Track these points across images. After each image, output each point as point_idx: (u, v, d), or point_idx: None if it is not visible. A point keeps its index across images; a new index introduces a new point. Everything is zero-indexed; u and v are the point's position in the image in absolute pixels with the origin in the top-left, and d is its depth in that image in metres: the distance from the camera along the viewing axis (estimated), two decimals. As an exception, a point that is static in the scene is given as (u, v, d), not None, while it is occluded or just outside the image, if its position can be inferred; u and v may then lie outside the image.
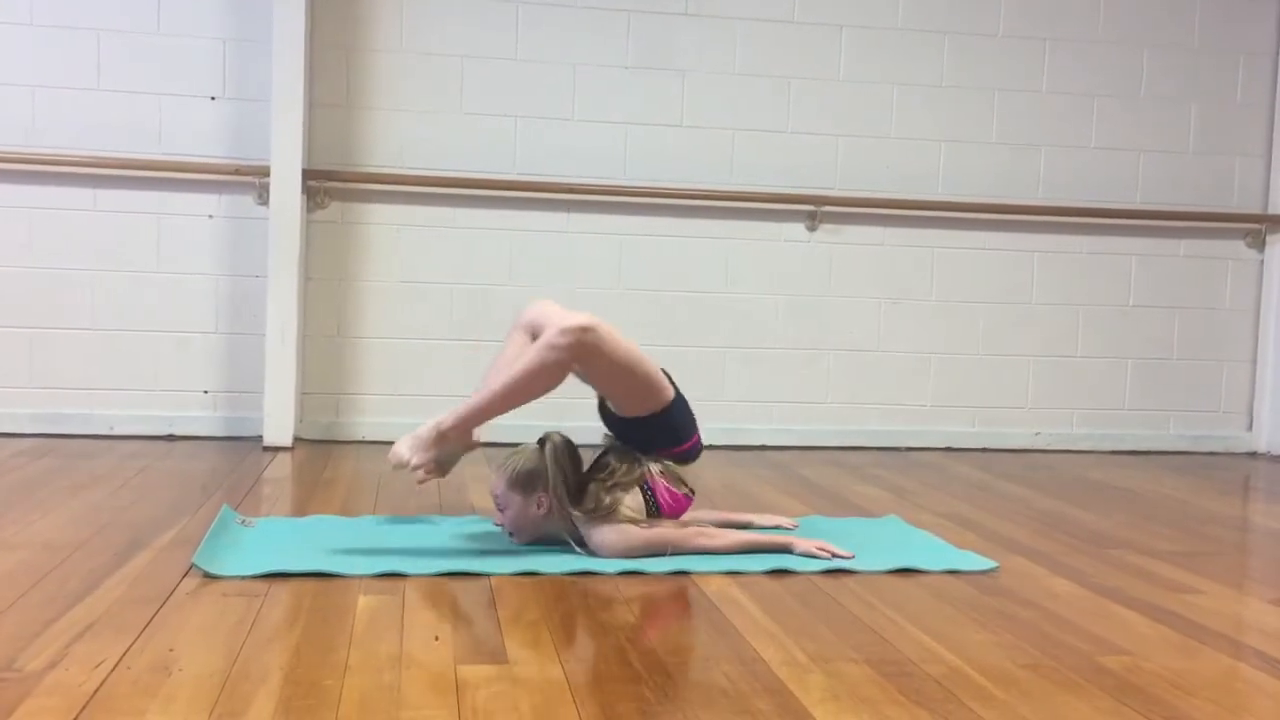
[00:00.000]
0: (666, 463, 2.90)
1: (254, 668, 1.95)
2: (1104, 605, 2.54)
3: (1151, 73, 5.02)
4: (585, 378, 2.87)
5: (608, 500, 2.78)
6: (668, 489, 2.88)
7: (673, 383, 2.93)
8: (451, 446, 2.89)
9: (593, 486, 2.82)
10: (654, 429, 2.88)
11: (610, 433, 2.98)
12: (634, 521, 2.78)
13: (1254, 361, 5.16)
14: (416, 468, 2.83)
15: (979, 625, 2.34)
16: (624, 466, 2.86)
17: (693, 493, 2.95)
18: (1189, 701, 1.94)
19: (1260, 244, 5.12)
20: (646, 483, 2.86)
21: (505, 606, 2.36)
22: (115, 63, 4.36)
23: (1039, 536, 3.22)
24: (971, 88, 4.89)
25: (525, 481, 2.78)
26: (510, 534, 2.85)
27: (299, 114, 4.28)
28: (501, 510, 2.83)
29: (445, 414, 2.85)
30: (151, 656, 1.98)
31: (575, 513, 2.78)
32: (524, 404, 2.83)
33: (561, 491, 2.76)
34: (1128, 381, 5.08)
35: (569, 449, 2.82)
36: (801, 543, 2.84)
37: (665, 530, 2.80)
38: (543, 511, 2.78)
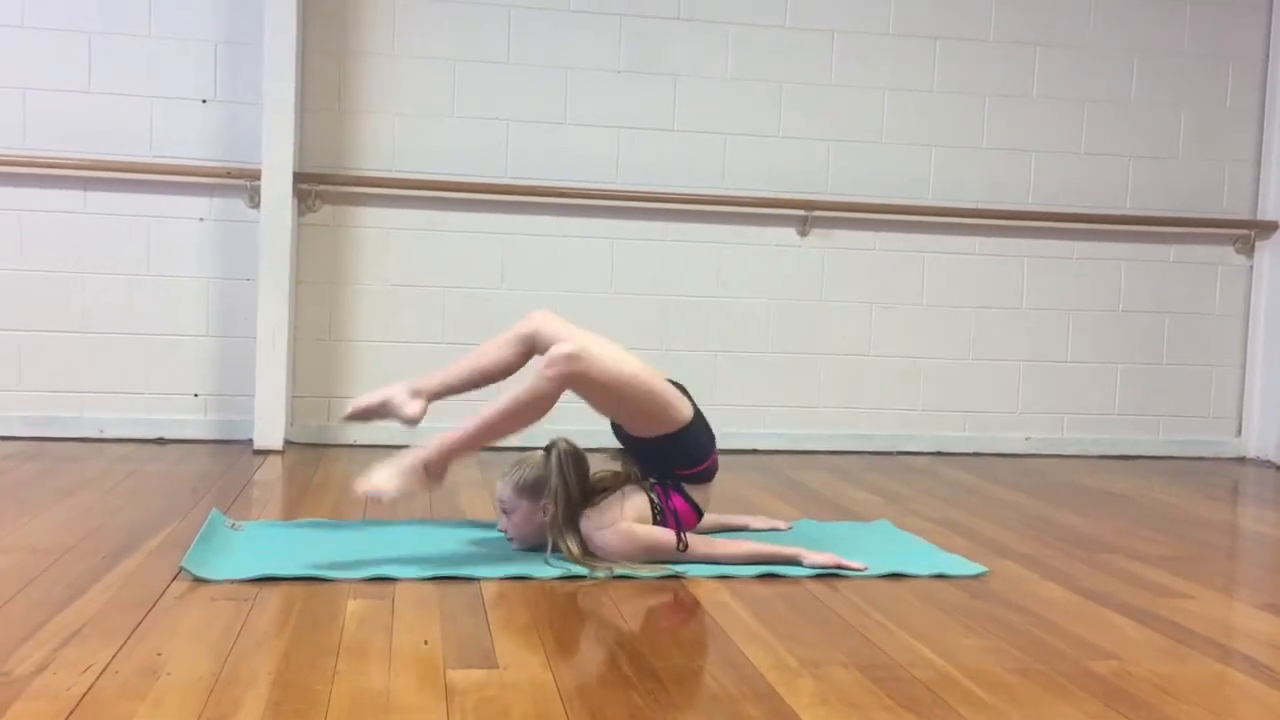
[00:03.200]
0: (683, 484, 2.87)
1: (242, 672, 1.94)
2: (1093, 610, 2.54)
3: (1141, 78, 5.03)
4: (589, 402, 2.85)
5: (616, 507, 2.78)
6: (681, 501, 2.86)
7: (690, 399, 2.88)
8: (430, 479, 2.74)
9: (597, 487, 2.83)
10: (667, 450, 2.84)
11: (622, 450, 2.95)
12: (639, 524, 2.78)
13: (1243, 367, 5.17)
14: (393, 500, 2.76)
15: (968, 630, 2.35)
16: (634, 473, 2.86)
17: (701, 513, 2.93)
18: (1177, 706, 1.94)
19: (1249, 250, 5.14)
20: (656, 494, 2.84)
21: (495, 611, 2.36)
22: (106, 65, 4.35)
23: (1029, 541, 3.23)
24: (962, 93, 4.90)
25: (532, 488, 2.78)
26: (512, 539, 2.84)
27: (290, 117, 4.28)
28: (507, 514, 2.82)
29: (428, 446, 2.73)
30: (140, 660, 1.98)
31: (582, 516, 2.77)
32: (510, 435, 2.77)
33: (563, 499, 2.76)
34: (1118, 386, 5.09)
35: (576, 455, 2.81)
36: (811, 555, 2.78)
37: (668, 538, 2.78)
38: (548, 518, 2.78)
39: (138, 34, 4.36)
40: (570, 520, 2.77)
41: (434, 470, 2.72)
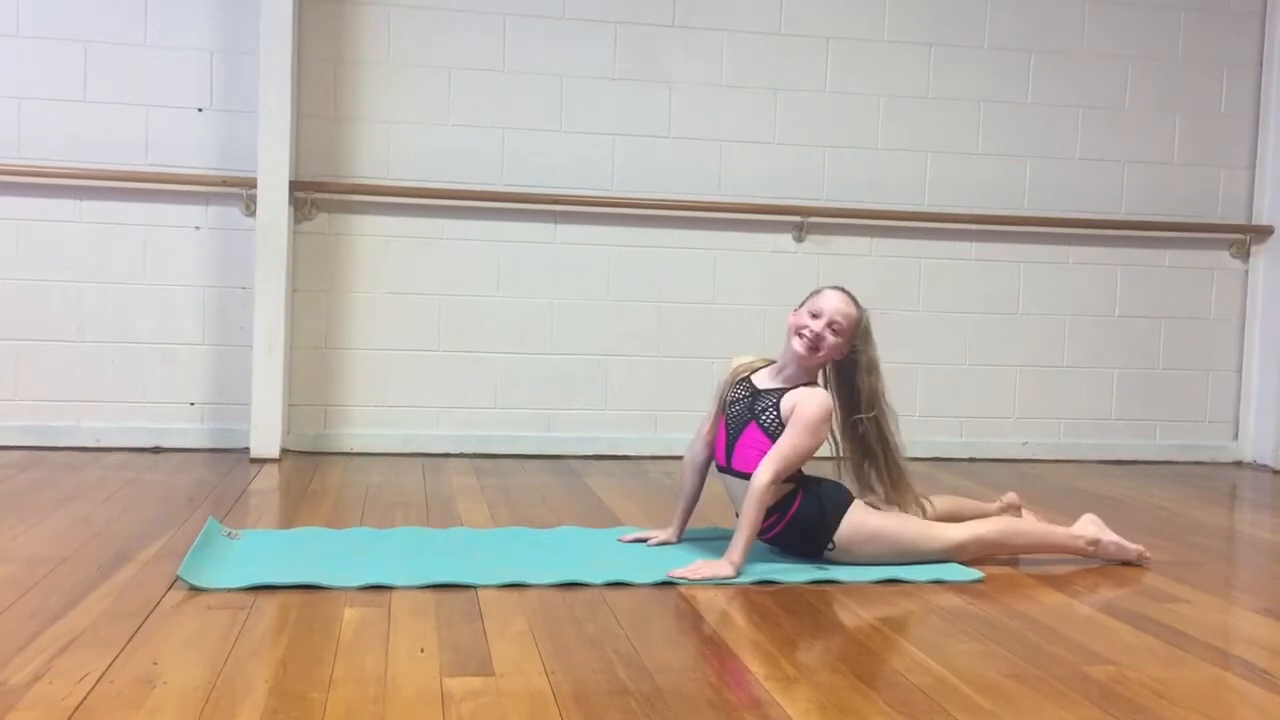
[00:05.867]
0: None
1: (239, 681, 1.94)
2: (1090, 615, 2.54)
3: (1136, 84, 5.04)
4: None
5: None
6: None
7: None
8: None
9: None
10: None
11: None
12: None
13: (1239, 371, 5.17)
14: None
15: (965, 636, 2.35)
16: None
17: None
18: (1174, 711, 1.94)
19: (1244, 254, 5.14)
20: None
21: (491, 618, 2.35)
22: (102, 74, 4.35)
23: (1026, 546, 3.22)
24: (957, 99, 4.91)
25: (864, 334, 2.94)
26: (818, 342, 2.89)
27: (286, 125, 4.28)
28: (835, 334, 2.89)
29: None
30: (136, 670, 1.98)
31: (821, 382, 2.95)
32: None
33: (868, 359, 2.93)
34: (1114, 391, 5.09)
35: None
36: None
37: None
38: (842, 356, 2.93)
39: (133, 43, 4.36)
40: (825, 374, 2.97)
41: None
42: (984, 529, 2.99)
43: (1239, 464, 5.13)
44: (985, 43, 4.92)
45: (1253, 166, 5.13)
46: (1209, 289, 5.15)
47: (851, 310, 2.94)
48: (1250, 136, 5.13)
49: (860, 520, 2.88)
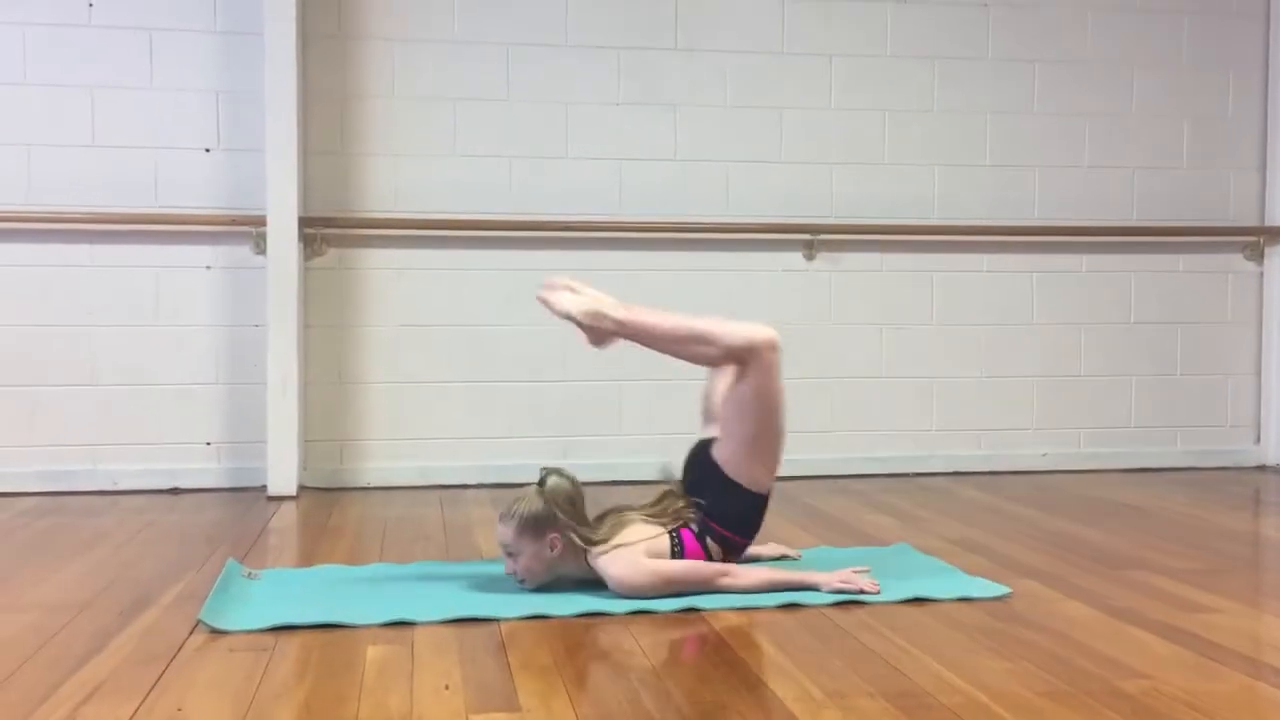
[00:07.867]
0: (709, 536, 2.84)
1: (264, 724, 1.93)
2: (1119, 627, 2.51)
3: (1142, 90, 5.03)
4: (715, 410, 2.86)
5: (621, 532, 2.77)
6: (695, 542, 2.83)
7: None
8: (603, 339, 2.84)
9: (610, 518, 2.81)
10: (733, 501, 2.84)
11: (681, 480, 2.94)
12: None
13: (1258, 373, 5.13)
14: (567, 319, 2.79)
15: (994, 653, 2.32)
16: (659, 507, 2.87)
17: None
18: (1210, 724, 1.91)
19: (1259, 256, 5.11)
20: (682, 536, 2.82)
21: (516, 652, 2.34)
22: (109, 119, 4.36)
23: (1050, 559, 3.20)
24: (963, 111, 4.90)
25: (535, 525, 2.73)
26: (523, 580, 2.79)
27: (293, 162, 4.29)
28: (512, 557, 2.78)
29: (624, 307, 2.79)
30: (161, 716, 1.96)
31: (592, 548, 2.74)
32: (670, 352, 2.87)
33: (572, 527, 2.74)
34: (1132, 398, 5.06)
35: (571, 484, 2.80)
36: (827, 579, 2.77)
37: (684, 566, 2.76)
38: (556, 553, 2.75)
39: (139, 87, 4.38)
40: (584, 549, 2.75)
41: (608, 335, 2.82)
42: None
43: (1262, 468, 5.08)
44: (988, 54, 4.91)
45: (1263, 168, 5.11)
46: (1224, 292, 5.12)
47: (505, 532, 2.75)
48: (1259, 138, 5.11)
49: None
